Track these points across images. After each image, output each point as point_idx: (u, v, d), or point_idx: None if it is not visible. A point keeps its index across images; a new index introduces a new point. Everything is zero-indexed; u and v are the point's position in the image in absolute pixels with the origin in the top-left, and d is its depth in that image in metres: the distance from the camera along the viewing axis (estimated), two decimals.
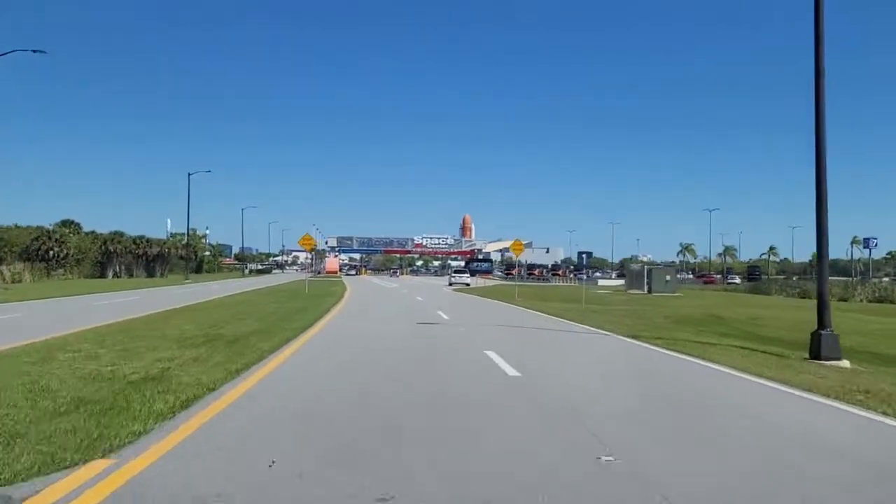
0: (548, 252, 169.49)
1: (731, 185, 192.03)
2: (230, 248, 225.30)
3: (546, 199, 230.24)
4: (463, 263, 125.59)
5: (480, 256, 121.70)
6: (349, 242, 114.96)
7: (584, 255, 25.37)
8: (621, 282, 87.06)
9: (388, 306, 25.79)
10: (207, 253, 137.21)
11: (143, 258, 79.22)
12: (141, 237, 78.58)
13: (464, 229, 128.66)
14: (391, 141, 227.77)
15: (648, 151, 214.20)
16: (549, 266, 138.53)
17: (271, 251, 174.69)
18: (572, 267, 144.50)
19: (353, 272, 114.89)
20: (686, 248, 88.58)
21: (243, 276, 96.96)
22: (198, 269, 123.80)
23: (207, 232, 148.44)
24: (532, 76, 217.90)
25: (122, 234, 76.89)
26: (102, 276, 75.44)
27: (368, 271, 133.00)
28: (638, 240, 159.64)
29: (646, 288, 44.12)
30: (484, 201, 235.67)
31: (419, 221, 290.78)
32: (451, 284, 59.92)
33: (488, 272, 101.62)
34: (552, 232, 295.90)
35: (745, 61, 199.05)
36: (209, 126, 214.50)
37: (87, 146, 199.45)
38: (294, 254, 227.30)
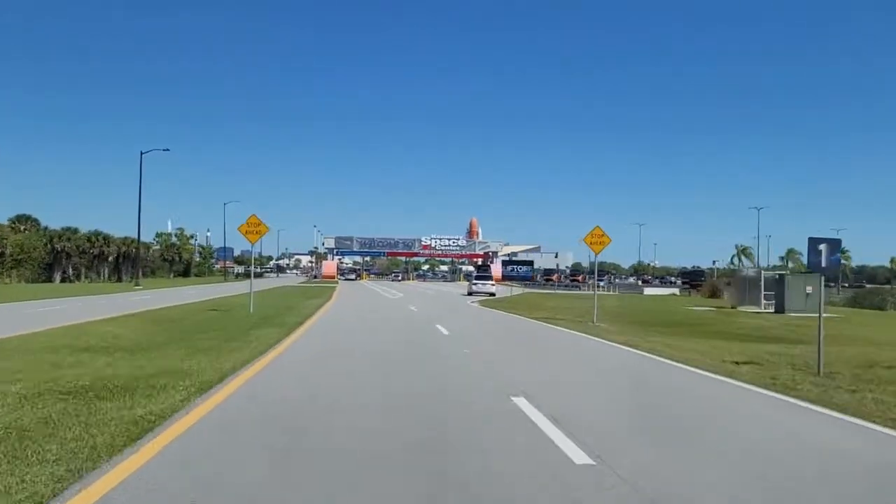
0: (556, 257, 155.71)
1: (746, 187, 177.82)
2: (231, 250, 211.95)
3: (552, 204, 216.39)
4: (473, 268, 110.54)
5: (518, 258, 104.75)
6: (348, 243, 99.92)
7: (823, 247, 10.63)
8: (671, 290, 72.18)
9: (375, 374, 11.28)
10: (198, 255, 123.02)
11: (101, 259, 64.94)
12: (97, 233, 64.14)
13: (470, 233, 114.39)
14: (396, 142, 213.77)
15: (658, 154, 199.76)
16: (569, 271, 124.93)
17: (262, 253, 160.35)
18: (591, 272, 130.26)
19: (353, 276, 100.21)
20: (742, 251, 73.58)
21: (225, 280, 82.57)
22: (185, 273, 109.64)
23: (209, 234, 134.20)
24: (532, 79, 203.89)
25: (75, 231, 62.68)
26: (49, 279, 61.35)
27: (371, 276, 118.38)
28: (655, 244, 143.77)
29: (763, 303, 29.39)
30: (488, 203, 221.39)
31: (423, 223, 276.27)
32: (470, 294, 45.41)
33: (527, 278, 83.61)
34: (557, 236, 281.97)
35: (754, 62, 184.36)
36: (212, 125, 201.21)
37: (90, 146, 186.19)
38: (296, 257, 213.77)
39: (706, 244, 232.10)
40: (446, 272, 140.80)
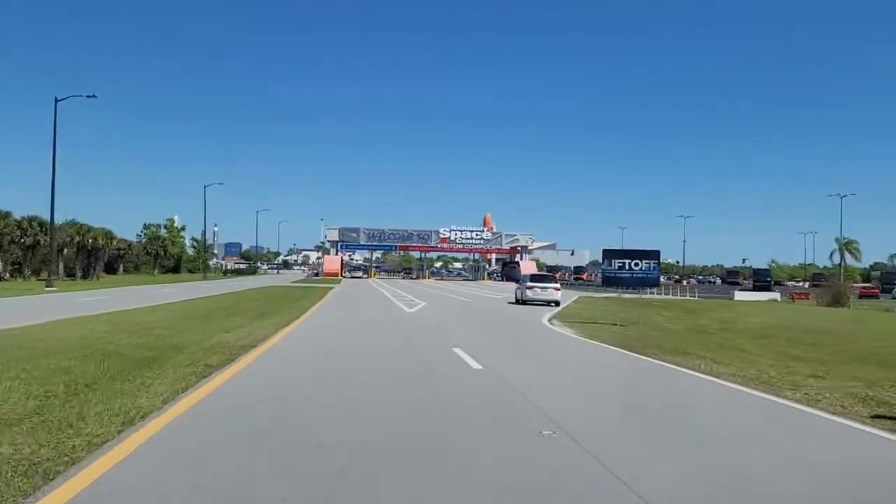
0: (573, 254, 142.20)
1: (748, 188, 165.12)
2: (239, 245, 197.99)
3: (556, 204, 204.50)
4: (493, 263, 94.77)
5: (644, 248, 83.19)
6: (354, 236, 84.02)
7: None
8: (770, 296, 55.23)
9: None
10: (192, 249, 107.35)
11: (35, 249, 49.62)
12: (32, 218, 48.81)
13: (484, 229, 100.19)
14: (406, 140, 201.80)
15: (667, 154, 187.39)
16: (573, 269, 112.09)
17: (258, 246, 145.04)
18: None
19: (360, 274, 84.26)
20: (846, 246, 56.72)
21: (205, 279, 67.17)
22: (175, 269, 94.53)
23: (216, 229, 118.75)
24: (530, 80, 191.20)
25: (6, 215, 47.54)
26: None
27: (381, 273, 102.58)
28: (684, 241, 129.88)
29: None
30: (498, 199, 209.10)
31: (434, 220, 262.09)
32: (523, 302, 29.40)
33: (651, 282, 55.95)
34: (570, 233, 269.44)
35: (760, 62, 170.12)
36: (217, 121, 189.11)
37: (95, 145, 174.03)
38: (304, 253, 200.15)
39: (710, 244, 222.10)
40: (461, 269, 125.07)
